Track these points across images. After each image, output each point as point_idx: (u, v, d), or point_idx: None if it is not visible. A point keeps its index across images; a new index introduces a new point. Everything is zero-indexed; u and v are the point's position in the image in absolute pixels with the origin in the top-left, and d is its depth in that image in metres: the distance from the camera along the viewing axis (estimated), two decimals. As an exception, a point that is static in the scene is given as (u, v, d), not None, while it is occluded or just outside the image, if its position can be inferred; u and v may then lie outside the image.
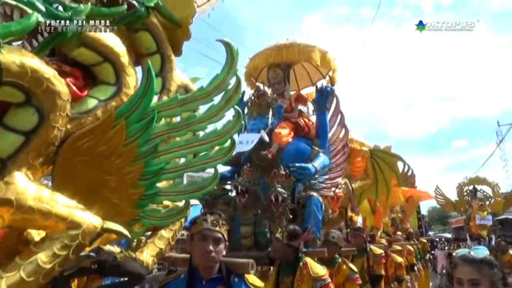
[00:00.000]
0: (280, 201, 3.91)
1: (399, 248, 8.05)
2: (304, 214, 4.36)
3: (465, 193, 14.61)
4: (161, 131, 2.07)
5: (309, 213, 4.31)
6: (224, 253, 2.12)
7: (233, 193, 4.28)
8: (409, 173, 13.22)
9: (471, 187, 14.40)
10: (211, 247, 2.01)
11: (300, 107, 5.14)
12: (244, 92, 5.01)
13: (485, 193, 14.42)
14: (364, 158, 8.31)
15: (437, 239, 17.92)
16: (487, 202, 13.69)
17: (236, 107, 2.21)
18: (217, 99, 2.20)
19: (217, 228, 2.07)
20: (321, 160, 4.55)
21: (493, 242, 12.46)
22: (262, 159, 4.50)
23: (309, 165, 4.28)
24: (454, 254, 2.04)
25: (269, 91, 5.04)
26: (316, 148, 4.68)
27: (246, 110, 4.83)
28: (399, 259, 6.54)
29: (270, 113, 4.43)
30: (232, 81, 2.20)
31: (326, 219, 4.87)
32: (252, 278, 2.17)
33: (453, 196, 14.95)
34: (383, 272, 5.60)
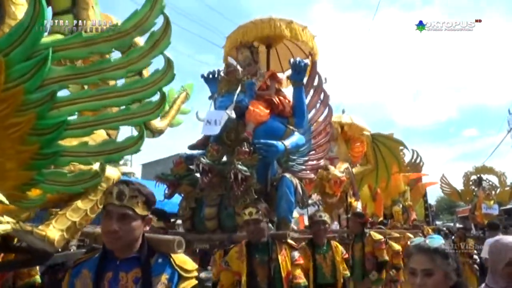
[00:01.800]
0: (240, 179, 3.56)
1: (397, 235, 7.66)
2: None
3: (471, 183, 14.14)
4: (61, 76, 1.72)
5: (280, 195, 4.02)
6: (146, 229, 1.75)
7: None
8: (418, 161, 12.84)
9: (476, 176, 13.90)
10: (114, 226, 1.61)
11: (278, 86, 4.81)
12: (218, 70, 4.71)
13: (491, 183, 13.93)
14: (364, 143, 8.05)
15: (444, 228, 17.43)
16: (493, 192, 13.21)
17: (167, 54, 1.85)
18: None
19: (124, 202, 1.64)
20: (294, 139, 4.23)
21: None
22: (232, 138, 4.22)
23: (277, 142, 3.97)
24: (409, 243, 1.85)
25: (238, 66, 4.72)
26: (291, 127, 4.38)
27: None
28: (397, 246, 6.27)
29: (239, 89, 4.08)
30: (160, 21, 1.84)
31: (306, 202, 4.55)
32: (181, 258, 1.79)
33: (460, 186, 14.47)
34: (386, 258, 5.44)
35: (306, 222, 8.11)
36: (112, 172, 2.38)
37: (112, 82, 2.20)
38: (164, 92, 1.87)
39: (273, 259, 3.19)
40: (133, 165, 26.83)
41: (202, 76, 4.73)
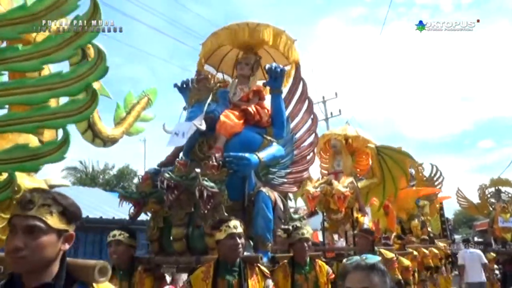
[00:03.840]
0: (206, 196, 3.16)
1: (411, 250, 7.56)
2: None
3: (488, 195, 13.39)
4: None
5: (256, 212, 3.65)
6: (65, 247, 1.36)
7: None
8: (438, 175, 12.28)
9: (493, 189, 13.12)
10: (17, 242, 1.24)
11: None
12: (192, 79, 4.32)
13: (510, 195, 13.13)
14: (369, 155, 7.64)
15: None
16: (512, 204, 12.41)
17: (98, 44, 1.56)
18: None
19: (32, 212, 1.28)
20: (271, 150, 3.86)
21: (520, 245, 11.31)
22: (204, 151, 3.82)
23: (250, 155, 3.58)
24: (344, 261, 1.85)
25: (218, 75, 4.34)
26: (268, 138, 4.00)
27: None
28: (406, 262, 6.07)
29: (209, 98, 3.69)
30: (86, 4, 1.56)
31: (287, 219, 4.10)
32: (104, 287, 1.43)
33: (477, 199, 13.69)
34: (400, 277, 5.19)
35: (320, 238, 7.69)
36: (33, 184, 1.98)
37: (33, 74, 1.83)
38: (94, 89, 1.58)
39: (243, 284, 2.87)
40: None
41: (175, 85, 4.36)
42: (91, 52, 2.27)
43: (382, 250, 5.23)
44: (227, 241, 2.86)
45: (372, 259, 1.62)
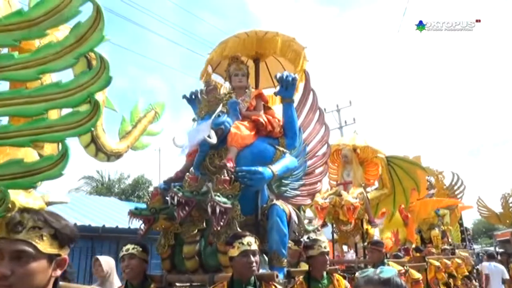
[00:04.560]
0: (219, 212, 3.05)
1: (428, 262, 7.45)
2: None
3: (510, 205, 13.09)
4: None
5: (271, 226, 3.52)
6: (57, 273, 1.28)
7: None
8: (459, 184, 12.14)
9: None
10: (3, 269, 1.16)
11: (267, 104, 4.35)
12: (201, 90, 4.25)
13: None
14: (379, 166, 7.56)
15: (483, 253, 16.19)
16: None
17: (100, 53, 1.47)
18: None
19: (20, 236, 1.21)
20: (285, 162, 3.75)
21: (543, 257, 11.03)
22: (216, 164, 3.72)
23: (263, 168, 3.47)
24: (357, 274, 1.69)
25: (225, 85, 4.26)
26: (281, 149, 3.88)
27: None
28: (417, 275, 5.85)
29: (219, 108, 3.61)
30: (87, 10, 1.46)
31: (302, 231, 3.98)
32: None
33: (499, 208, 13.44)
34: None
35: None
36: (29, 201, 1.88)
37: (33, 84, 1.73)
38: (96, 100, 1.47)
39: None
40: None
41: (184, 96, 4.28)
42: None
43: (391, 263, 5.17)
44: (240, 259, 2.77)
45: (387, 272, 1.50)
